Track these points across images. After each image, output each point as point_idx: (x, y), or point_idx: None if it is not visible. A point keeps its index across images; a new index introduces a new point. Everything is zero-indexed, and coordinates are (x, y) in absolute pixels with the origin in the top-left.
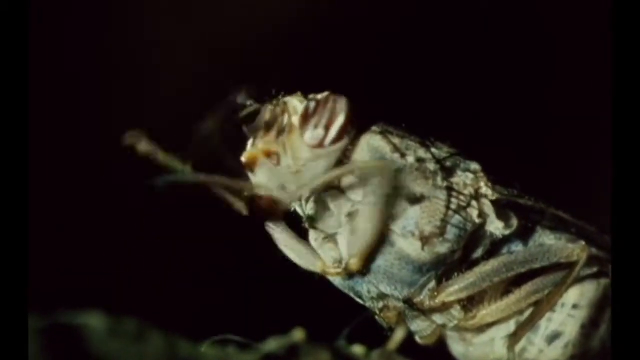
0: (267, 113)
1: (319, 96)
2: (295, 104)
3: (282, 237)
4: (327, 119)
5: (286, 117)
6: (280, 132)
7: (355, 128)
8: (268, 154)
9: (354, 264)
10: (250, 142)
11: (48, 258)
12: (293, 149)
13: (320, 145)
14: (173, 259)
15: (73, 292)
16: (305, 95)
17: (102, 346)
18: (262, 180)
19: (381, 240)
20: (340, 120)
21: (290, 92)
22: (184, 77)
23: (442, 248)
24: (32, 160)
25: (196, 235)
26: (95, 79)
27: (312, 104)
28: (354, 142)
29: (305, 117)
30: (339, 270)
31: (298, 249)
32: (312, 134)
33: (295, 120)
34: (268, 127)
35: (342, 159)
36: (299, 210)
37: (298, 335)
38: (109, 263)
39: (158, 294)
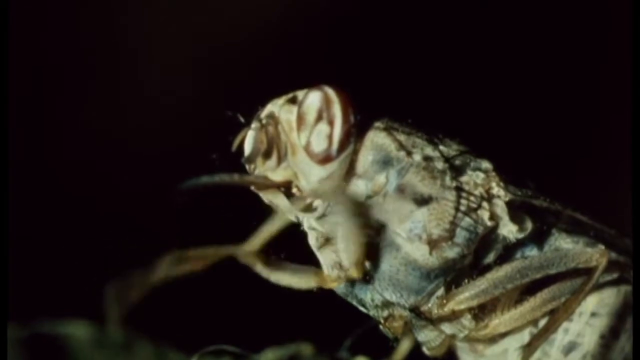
0: (260, 136)
1: (308, 99)
2: (288, 117)
3: (269, 267)
4: (327, 126)
5: (282, 135)
6: (282, 156)
7: (357, 125)
8: (285, 185)
9: (353, 272)
10: (250, 169)
11: (29, 264)
12: (303, 171)
13: (329, 159)
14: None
15: (56, 300)
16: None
17: (86, 357)
18: (284, 204)
19: (385, 244)
20: (340, 123)
21: (273, 93)
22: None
23: (451, 252)
24: (12, 167)
25: (189, 239)
26: (93, 78)
27: (306, 113)
28: (358, 138)
29: (305, 132)
30: (340, 275)
31: (290, 270)
32: (318, 151)
33: (294, 137)
34: (267, 153)
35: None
36: (292, 216)
37: (305, 349)
38: (94, 269)
39: (146, 301)
